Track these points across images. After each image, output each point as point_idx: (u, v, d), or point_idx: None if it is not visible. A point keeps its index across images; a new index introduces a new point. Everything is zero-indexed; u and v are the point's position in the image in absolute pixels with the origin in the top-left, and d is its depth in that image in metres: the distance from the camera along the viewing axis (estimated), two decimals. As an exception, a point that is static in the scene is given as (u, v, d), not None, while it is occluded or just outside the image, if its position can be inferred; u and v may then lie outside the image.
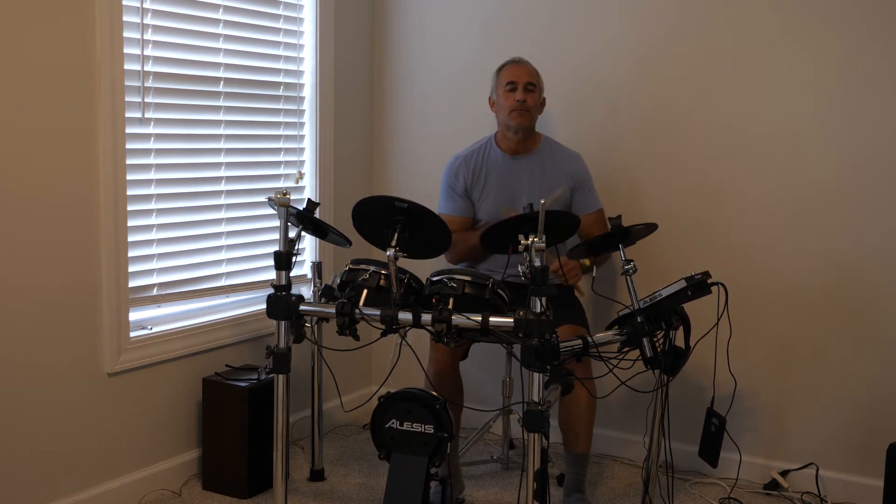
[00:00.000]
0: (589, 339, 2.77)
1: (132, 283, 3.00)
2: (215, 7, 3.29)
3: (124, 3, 2.89)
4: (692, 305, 2.78)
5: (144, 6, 2.99)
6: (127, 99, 2.93)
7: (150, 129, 3.08)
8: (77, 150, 2.79)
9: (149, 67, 3.04)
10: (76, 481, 2.87)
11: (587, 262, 3.08)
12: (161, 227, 3.14)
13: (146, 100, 3.04)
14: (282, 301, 2.69)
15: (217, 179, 3.36)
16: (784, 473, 3.28)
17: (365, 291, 2.68)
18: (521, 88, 3.20)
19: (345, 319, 2.62)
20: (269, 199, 2.73)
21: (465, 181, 3.28)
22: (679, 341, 2.85)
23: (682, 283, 2.73)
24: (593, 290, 3.13)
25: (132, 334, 3.02)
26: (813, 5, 3.16)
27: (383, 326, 2.62)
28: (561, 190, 3.23)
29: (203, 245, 3.33)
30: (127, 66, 2.92)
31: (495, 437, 3.64)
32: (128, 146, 2.94)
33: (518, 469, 3.19)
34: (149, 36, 3.03)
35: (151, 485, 3.11)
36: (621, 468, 3.51)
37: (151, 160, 3.09)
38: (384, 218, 2.57)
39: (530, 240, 2.38)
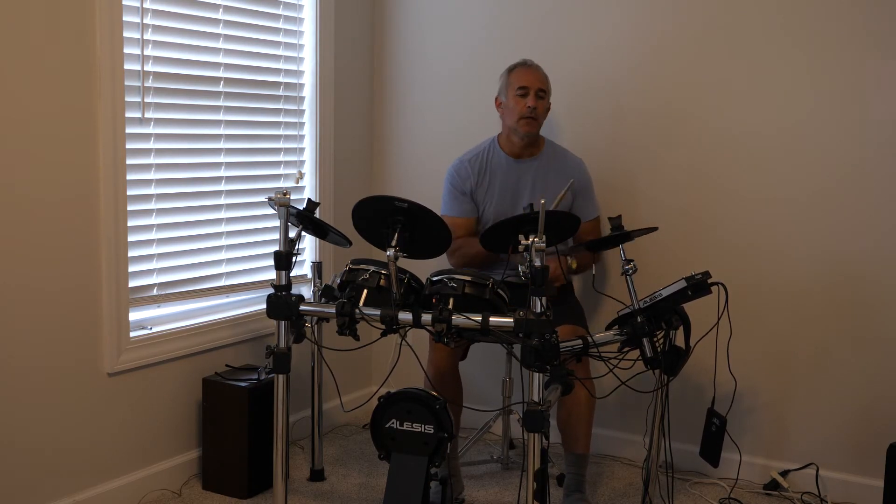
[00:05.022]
0: (589, 339, 2.77)
1: (132, 283, 3.00)
2: (215, 7, 3.29)
3: (124, 3, 2.89)
4: (692, 305, 2.78)
5: (144, 6, 2.99)
6: (127, 99, 2.93)
7: (150, 129, 3.08)
8: (77, 150, 2.79)
9: (149, 67, 3.04)
10: (76, 481, 2.87)
11: (573, 263, 3.09)
12: (161, 227, 3.14)
13: (146, 100, 3.04)
14: (282, 301, 2.69)
15: (217, 179, 3.36)
16: (784, 473, 3.28)
17: (365, 291, 2.68)
18: (532, 95, 3.18)
19: (345, 319, 2.62)
20: (269, 199, 2.73)
21: (471, 183, 3.28)
22: (679, 341, 2.85)
23: (682, 283, 2.73)
24: (594, 289, 3.14)
25: (132, 334, 3.02)
26: (813, 6, 3.16)
27: (383, 326, 2.62)
28: (564, 191, 3.23)
29: (203, 245, 3.33)
30: (127, 66, 2.92)
31: (495, 437, 3.64)
32: (128, 146, 2.94)
33: (518, 469, 3.19)
34: (149, 36, 3.03)
35: (151, 485, 3.11)
36: (621, 468, 3.51)
37: (151, 160, 3.09)
38: (384, 218, 2.57)
39: (530, 240, 2.38)
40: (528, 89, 3.19)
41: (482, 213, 3.29)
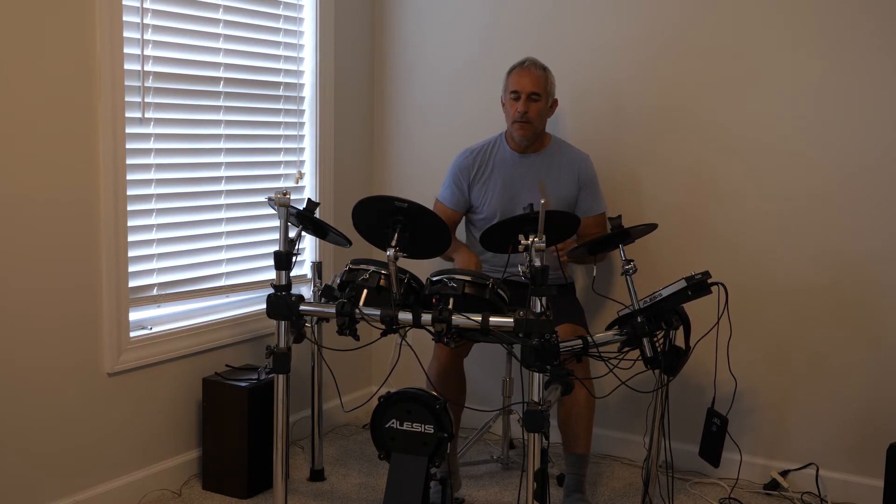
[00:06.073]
0: (589, 339, 2.77)
1: (132, 283, 3.00)
2: (215, 7, 3.29)
3: (124, 3, 2.89)
4: (692, 305, 2.78)
5: (144, 6, 2.99)
6: (127, 99, 2.93)
7: (150, 129, 3.08)
8: (77, 150, 2.79)
9: (149, 67, 3.04)
10: (76, 481, 2.87)
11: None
12: (161, 227, 3.14)
13: (146, 100, 3.03)
14: (282, 301, 2.69)
15: (217, 179, 3.36)
16: (784, 473, 3.28)
17: (365, 291, 2.68)
18: (523, 99, 3.19)
19: (345, 319, 2.62)
20: (269, 199, 2.73)
21: (470, 175, 3.32)
22: (679, 341, 2.85)
23: (682, 283, 2.73)
24: (594, 290, 3.14)
25: (132, 334, 3.02)
26: (816, 6, 3.16)
27: (383, 326, 2.62)
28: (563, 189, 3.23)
29: (203, 245, 3.33)
30: (127, 66, 2.92)
31: (495, 437, 3.64)
32: (128, 146, 2.94)
33: (518, 469, 3.19)
34: (149, 36, 3.03)
35: (151, 485, 3.11)
36: (621, 468, 3.51)
37: (151, 160, 3.09)
38: (384, 218, 2.57)
39: (530, 240, 2.38)
40: (519, 94, 3.19)
41: (482, 206, 3.30)
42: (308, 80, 3.72)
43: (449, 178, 3.38)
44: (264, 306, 2.73)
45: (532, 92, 3.19)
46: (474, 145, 3.39)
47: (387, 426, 2.68)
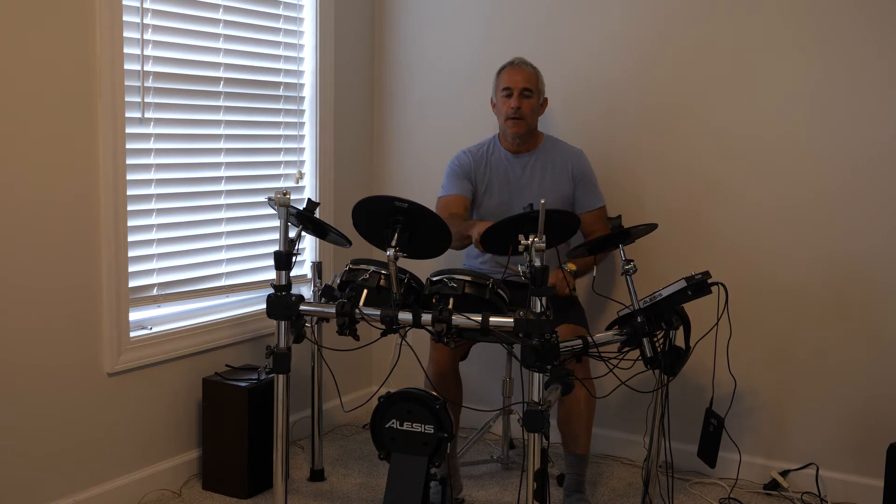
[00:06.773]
0: (589, 339, 2.77)
1: (132, 283, 3.00)
2: (215, 7, 3.29)
3: (124, 3, 2.89)
4: (692, 305, 2.78)
5: (144, 6, 2.99)
6: (127, 99, 2.93)
7: (150, 129, 3.08)
8: (77, 150, 2.79)
9: (149, 67, 3.04)
10: (76, 481, 2.87)
11: (572, 266, 3.04)
12: (161, 227, 3.14)
13: (146, 100, 3.04)
14: (282, 301, 2.69)
15: (217, 179, 3.36)
16: (784, 473, 3.28)
17: (365, 291, 2.68)
18: (516, 95, 3.20)
19: (345, 319, 2.62)
20: (269, 199, 2.73)
21: (472, 169, 3.31)
22: (679, 341, 2.86)
23: (682, 283, 2.73)
24: (594, 290, 3.14)
25: (132, 334, 3.02)
26: (814, 6, 3.16)
27: (383, 326, 2.62)
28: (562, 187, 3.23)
29: (203, 245, 3.33)
30: (127, 66, 2.92)
31: (495, 437, 3.64)
32: (128, 146, 2.94)
33: (518, 469, 3.19)
34: (149, 36, 3.03)
35: (151, 485, 3.11)
36: (621, 468, 3.51)
37: (151, 160, 3.09)
38: (384, 218, 2.57)
39: (530, 240, 2.38)
40: (511, 90, 3.21)
41: (482, 207, 3.30)
42: (308, 80, 3.72)
43: (450, 174, 3.35)
44: (264, 306, 2.73)
45: (524, 88, 3.20)
46: (470, 147, 3.38)
47: (387, 426, 2.68)
